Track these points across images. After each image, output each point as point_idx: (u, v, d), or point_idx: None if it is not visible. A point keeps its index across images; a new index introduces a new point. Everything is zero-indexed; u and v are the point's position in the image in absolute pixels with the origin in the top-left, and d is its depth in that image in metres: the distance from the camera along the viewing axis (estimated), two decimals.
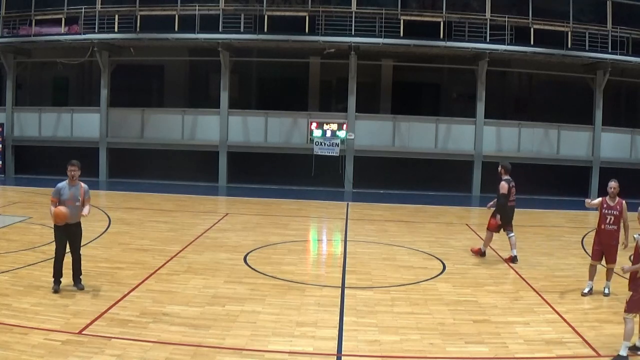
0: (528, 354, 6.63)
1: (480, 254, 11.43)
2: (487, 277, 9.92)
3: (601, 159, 21.54)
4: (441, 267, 10.58)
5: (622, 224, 8.86)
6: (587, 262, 11.18)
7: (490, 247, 11.79)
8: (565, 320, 7.74)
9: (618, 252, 8.98)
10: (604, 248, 8.96)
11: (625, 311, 6.63)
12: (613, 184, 8.94)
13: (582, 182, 21.62)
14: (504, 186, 11.19)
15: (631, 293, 6.67)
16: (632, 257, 7.08)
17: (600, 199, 9.13)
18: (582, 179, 21.69)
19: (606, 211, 8.91)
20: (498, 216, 11.05)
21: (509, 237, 11.19)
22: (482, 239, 13.06)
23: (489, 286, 9.38)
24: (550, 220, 16.51)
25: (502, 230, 11.24)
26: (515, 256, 11.03)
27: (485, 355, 6.61)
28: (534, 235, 14.00)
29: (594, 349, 6.76)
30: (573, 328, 7.45)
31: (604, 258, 9.07)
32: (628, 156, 21.90)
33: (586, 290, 8.99)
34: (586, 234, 13.32)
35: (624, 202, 8.91)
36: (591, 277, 9.06)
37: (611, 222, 8.88)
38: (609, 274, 9.04)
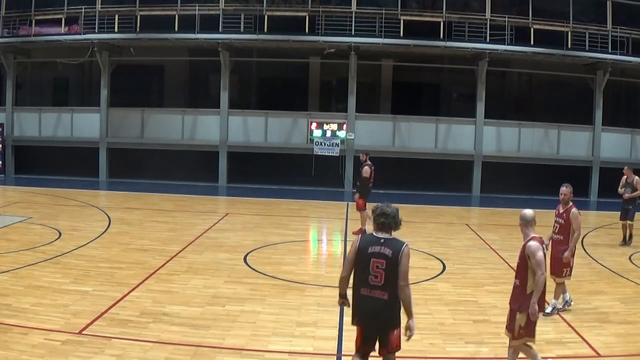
0: None
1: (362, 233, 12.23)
2: (487, 277, 9.92)
3: (601, 159, 21.53)
4: (441, 267, 10.58)
5: (571, 235, 7.90)
6: (587, 262, 11.24)
7: (490, 247, 11.80)
8: (565, 320, 7.74)
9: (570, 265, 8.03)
10: (557, 258, 7.99)
11: (517, 338, 5.74)
12: (563, 190, 8.09)
13: (582, 182, 21.61)
14: (367, 170, 12.83)
15: (525, 313, 5.62)
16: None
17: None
18: (582, 179, 21.66)
19: (555, 218, 8.16)
20: (358, 194, 12.85)
21: (363, 213, 12.82)
22: (482, 238, 13.09)
23: (489, 286, 9.37)
24: (551, 221, 16.38)
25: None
26: (365, 230, 12.48)
27: (485, 355, 6.61)
28: None
29: (594, 349, 6.75)
30: (573, 328, 7.45)
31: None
32: (628, 156, 21.87)
33: (559, 306, 8.04)
34: (586, 234, 13.32)
35: (574, 209, 7.96)
36: (562, 290, 8.09)
37: (556, 230, 8.08)
38: (556, 289, 7.96)
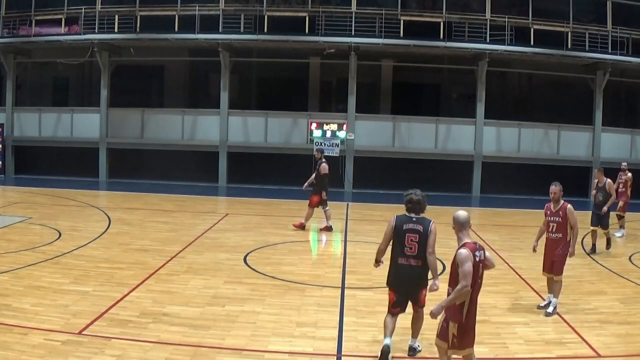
0: (528, 354, 6.63)
1: (302, 227, 13.27)
2: (487, 277, 9.77)
3: (601, 159, 21.51)
4: (441, 267, 10.56)
5: (569, 231, 8.01)
6: (586, 262, 11.25)
7: (490, 247, 11.77)
8: (565, 321, 7.74)
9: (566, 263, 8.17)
10: (552, 258, 8.10)
11: (452, 348, 5.43)
12: (553, 188, 8.16)
13: (582, 182, 21.61)
14: (325, 167, 13.21)
15: (457, 325, 5.33)
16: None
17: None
18: (582, 179, 21.67)
19: (549, 218, 8.18)
20: (324, 193, 13.10)
21: (325, 211, 13.37)
22: (482, 239, 13.08)
23: (489, 286, 9.31)
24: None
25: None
26: (331, 226, 13.33)
27: (485, 355, 6.60)
28: (534, 235, 13.94)
29: (594, 349, 6.75)
30: (573, 328, 7.45)
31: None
32: (628, 156, 21.84)
33: (542, 304, 8.20)
34: (586, 235, 13.29)
35: (568, 205, 8.05)
36: (550, 290, 8.21)
37: (554, 229, 8.09)
38: (555, 288, 8.07)
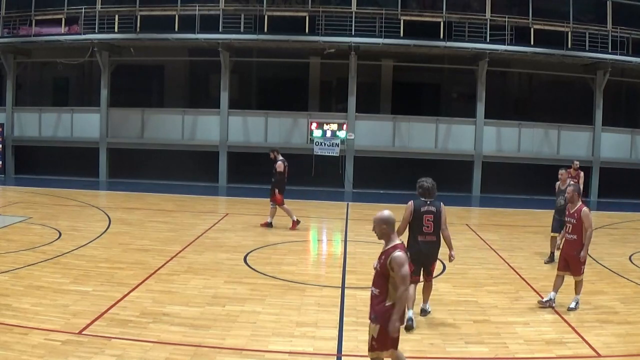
0: (528, 354, 6.63)
1: (297, 224, 13.48)
2: (487, 277, 9.92)
3: (601, 159, 21.55)
4: (441, 267, 10.57)
5: (584, 233, 8.02)
6: (587, 262, 11.20)
7: (491, 247, 11.78)
8: (565, 320, 7.74)
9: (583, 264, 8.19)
10: (567, 258, 8.22)
11: (370, 350, 5.28)
12: (569, 188, 8.34)
13: (583, 182, 21.60)
14: (280, 165, 13.48)
15: (379, 326, 5.14)
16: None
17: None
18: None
19: (566, 219, 8.32)
20: (276, 190, 13.33)
21: (273, 207, 13.49)
22: (482, 239, 13.09)
23: (489, 286, 9.37)
24: (551, 221, 16.44)
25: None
26: (271, 222, 13.47)
27: (485, 355, 6.61)
28: (534, 235, 14.00)
29: (594, 349, 6.75)
30: (573, 328, 7.45)
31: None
32: (628, 156, 21.91)
33: (544, 299, 8.25)
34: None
35: (584, 208, 8.11)
36: (555, 288, 8.28)
37: (570, 230, 8.18)
38: (576, 286, 8.26)
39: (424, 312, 7.73)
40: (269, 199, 13.72)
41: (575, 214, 8.12)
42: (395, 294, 5.03)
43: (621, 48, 20.60)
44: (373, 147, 21.60)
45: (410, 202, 7.49)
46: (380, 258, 5.15)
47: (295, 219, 13.57)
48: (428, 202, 7.46)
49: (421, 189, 7.52)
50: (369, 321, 5.23)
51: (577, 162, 14.58)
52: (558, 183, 11.19)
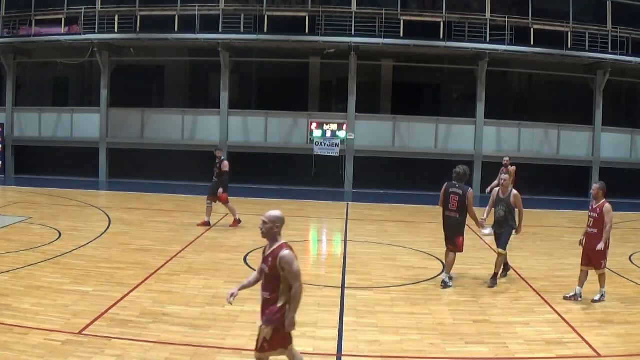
0: (528, 354, 6.63)
1: (205, 224, 13.43)
2: (487, 277, 9.89)
3: (601, 159, 21.54)
4: (441, 267, 10.57)
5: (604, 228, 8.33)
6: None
7: (490, 247, 11.74)
8: (565, 320, 7.74)
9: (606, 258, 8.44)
10: (588, 253, 8.55)
11: (260, 351, 5.13)
12: (593, 186, 8.73)
13: (582, 182, 21.62)
14: (227, 164, 13.77)
15: (271, 328, 5.05)
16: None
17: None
18: (582, 179, 21.68)
19: (589, 213, 8.65)
20: (221, 189, 13.45)
21: (209, 206, 13.59)
22: (482, 238, 13.08)
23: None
24: (550, 220, 16.49)
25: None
26: (209, 221, 13.52)
27: (485, 355, 6.61)
28: (534, 235, 14.00)
29: (594, 349, 6.75)
30: (573, 328, 7.45)
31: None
32: (628, 156, 21.90)
33: (569, 295, 8.59)
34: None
35: (606, 204, 8.41)
36: (580, 283, 8.59)
37: (591, 224, 8.51)
38: (600, 280, 8.58)
39: (443, 283, 8.99)
40: (206, 198, 13.76)
41: (598, 209, 8.46)
42: (289, 294, 5.04)
43: (621, 48, 20.60)
44: (373, 147, 21.60)
45: (445, 184, 9.08)
46: (267, 260, 5.05)
47: (238, 218, 13.68)
48: (457, 185, 8.95)
49: (454, 173, 9.04)
50: (273, 324, 5.07)
51: (507, 158, 14.45)
52: (498, 189, 9.61)
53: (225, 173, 13.67)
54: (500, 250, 9.39)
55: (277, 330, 5.03)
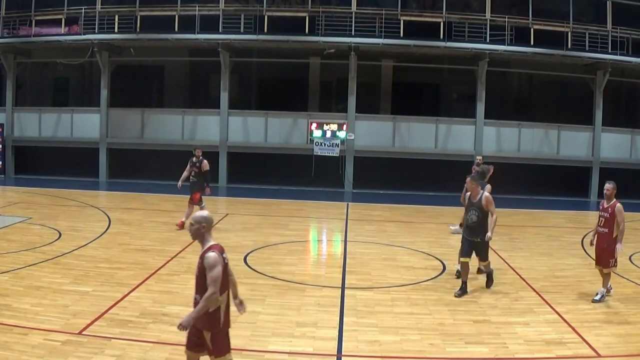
0: (528, 354, 6.63)
1: (183, 226, 12.95)
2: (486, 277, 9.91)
3: (601, 159, 21.52)
4: (441, 267, 10.58)
5: (616, 228, 8.51)
6: (587, 262, 11.23)
7: (491, 247, 11.74)
8: (565, 321, 7.74)
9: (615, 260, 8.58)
10: (598, 251, 8.73)
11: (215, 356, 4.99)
12: (607, 186, 8.75)
13: (582, 183, 21.63)
14: (206, 164, 13.56)
15: (211, 333, 4.93)
16: None
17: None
18: (582, 179, 21.68)
19: (600, 213, 8.78)
20: (207, 189, 13.46)
21: (201, 207, 12.91)
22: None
23: None
24: (550, 221, 16.49)
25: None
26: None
27: (485, 355, 6.61)
28: (534, 235, 14.01)
29: (594, 349, 6.75)
30: (573, 328, 7.45)
31: None
32: (628, 156, 21.89)
33: (597, 297, 8.62)
34: (586, 234, 13.30)
35: (618, 204, 8.54)
36: (603, 284, 8.74)
37: (602, 224, 8.67)
38: (603, 279, 8.68)
39: (458, 273, 9.49)
40: (189, 199, 13.49)
41: (610, 209, 8.58)
42: (223, 296, 4.88)
43: (621, 48, 20.59)
44: (373, 147, 21.59)
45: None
46: (198, 262, 4.91)
47: (185, 221, 13.17)
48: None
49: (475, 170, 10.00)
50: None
51: (480, 157, 14.42)
52: (469, 194, 9.11)
53: (206, 172, 13.58)
54: (484, 263, 9.08)
55: (215, 334, 4.88)
